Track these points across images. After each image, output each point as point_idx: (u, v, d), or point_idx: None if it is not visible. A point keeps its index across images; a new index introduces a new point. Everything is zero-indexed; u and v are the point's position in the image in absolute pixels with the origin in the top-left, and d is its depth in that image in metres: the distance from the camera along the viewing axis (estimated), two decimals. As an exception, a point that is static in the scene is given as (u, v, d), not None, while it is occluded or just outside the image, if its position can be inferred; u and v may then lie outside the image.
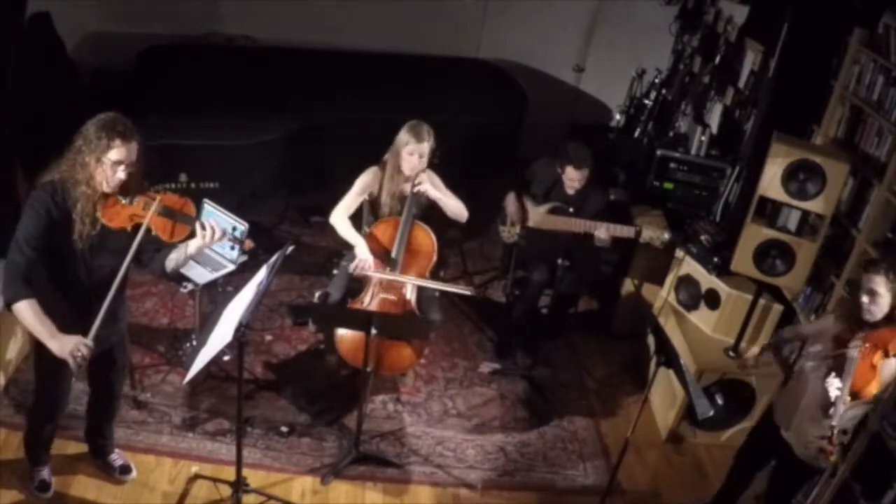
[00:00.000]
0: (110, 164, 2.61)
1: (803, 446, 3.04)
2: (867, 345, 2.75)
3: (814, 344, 3.07)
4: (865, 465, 3.35)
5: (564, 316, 4.63)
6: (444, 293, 3.99)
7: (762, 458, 3.33)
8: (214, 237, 2.77)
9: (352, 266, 3.77)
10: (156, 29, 5.84)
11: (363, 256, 3.76)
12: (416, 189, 3.78)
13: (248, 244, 2.88)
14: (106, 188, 2.67)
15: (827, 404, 2.85)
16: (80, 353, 2.64)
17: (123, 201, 2.71)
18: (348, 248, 4.07)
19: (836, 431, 2.67)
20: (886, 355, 2.73)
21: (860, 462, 3.36)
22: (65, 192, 2.65)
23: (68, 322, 2.74)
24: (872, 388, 2.76)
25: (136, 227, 2.71)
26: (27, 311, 2.64)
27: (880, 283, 2.73)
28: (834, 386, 2.79)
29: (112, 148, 2.60)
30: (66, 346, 2.65)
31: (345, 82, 5.61)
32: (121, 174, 2.64)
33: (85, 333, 2.72)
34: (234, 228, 2.85)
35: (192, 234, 2.79)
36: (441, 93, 5.57)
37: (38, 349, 2.99)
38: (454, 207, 3.93)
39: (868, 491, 3.29)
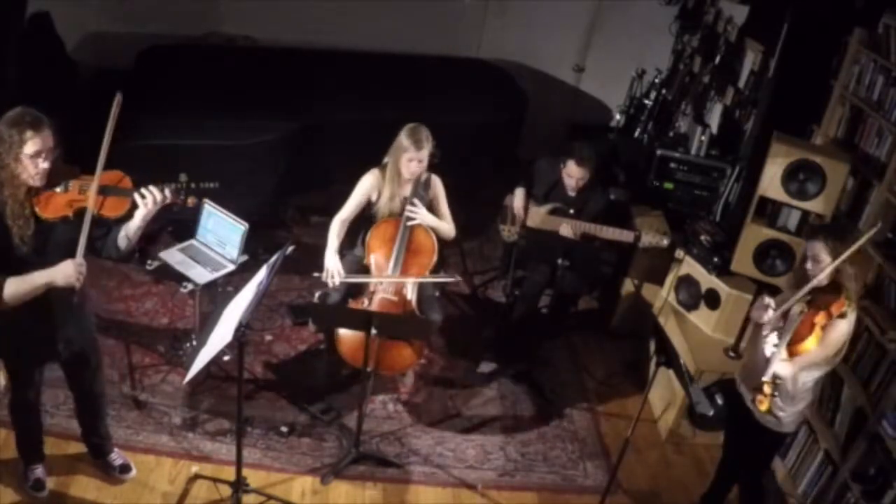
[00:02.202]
0: (29, 157, 2.58)
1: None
2: (811, 309, 2.92)
3: None
4: (865, 465, 3.36)
5: (564, 316, 4.62)
6: (443, 291, 3.99)
7: (740, 436, 3.36)
8: (156, 201, 2.74)
9: (324, 275, 3.77)
10: (156, 29, 5.83)
11: (328, 266, 3.77)
12: (409, 223, 3.82)
13: (192, 201, 2.84)
14: (34, 182, 2.63)
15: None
16: (81, 276, 2.65)
17: (58, 190, 2.68)
18: (348, 248, 4.07)
19: (767, 381, 2.84)
20: (830, 317, 2.88)
21: (860, 462, 3.38)
22: None
23: (35, 335, 2.75)
24: (808, 345, 2.90)
25: (79, 213, 2.68)
26: (11, 288, 2.60)
27: (821, 250, 2.90)
28: (770, 343, 2.99)
29: (26, 141, 2.56)
30: (68, 273, 2.64)
31: (345, 82, 5.61)
32: (43, 164, 2.61)
33: (54, 343, 2.73)
34: (173, 186, 2.82)
35: (135, 206, 2.76)
36: (441, 93, 5.56)
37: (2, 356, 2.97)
38: (444, 231, 3.97)
39: (868, 491, 3.30)
